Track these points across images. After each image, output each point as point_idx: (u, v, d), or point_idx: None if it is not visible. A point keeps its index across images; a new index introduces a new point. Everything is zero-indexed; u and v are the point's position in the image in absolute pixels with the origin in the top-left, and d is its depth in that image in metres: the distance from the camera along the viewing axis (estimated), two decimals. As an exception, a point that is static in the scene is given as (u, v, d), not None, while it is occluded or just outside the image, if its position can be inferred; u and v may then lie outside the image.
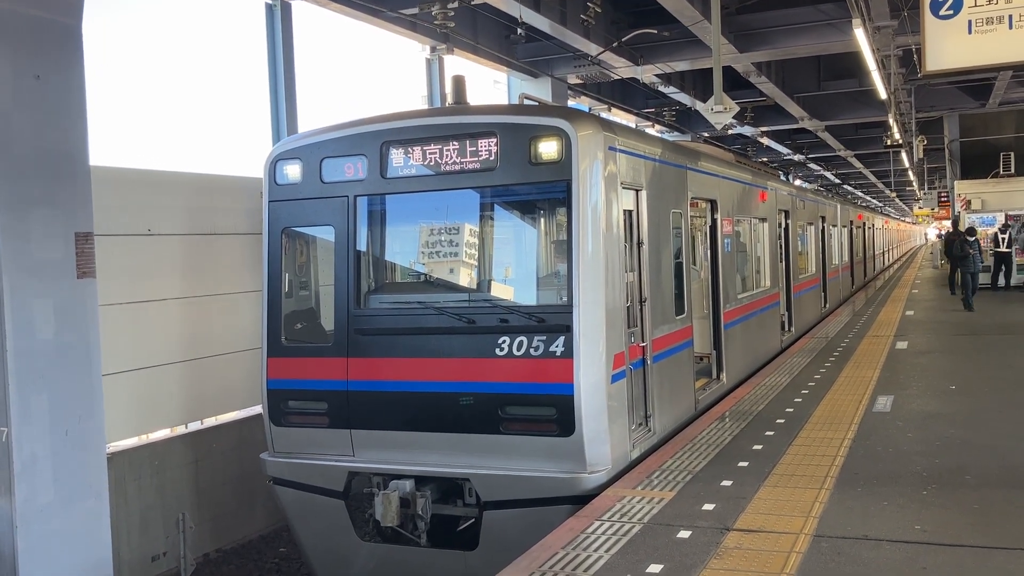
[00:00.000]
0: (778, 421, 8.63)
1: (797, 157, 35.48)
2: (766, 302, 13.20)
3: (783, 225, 15.09)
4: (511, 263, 7.66)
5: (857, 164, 40.92)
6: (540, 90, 17.45)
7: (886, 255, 46.72)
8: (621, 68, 17.97)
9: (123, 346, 8.42)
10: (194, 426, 9.53)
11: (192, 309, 9.33)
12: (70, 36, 6.92)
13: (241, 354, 9.71)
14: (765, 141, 30.53)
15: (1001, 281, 23.64)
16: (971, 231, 20.79)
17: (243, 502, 9.70)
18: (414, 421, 7.16)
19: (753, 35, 17.26)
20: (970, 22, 6.66)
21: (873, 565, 4.92)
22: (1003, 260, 23.62)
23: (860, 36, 12.40)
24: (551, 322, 6.80)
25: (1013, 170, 26.90)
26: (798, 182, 34.37)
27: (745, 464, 7.09)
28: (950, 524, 5.54)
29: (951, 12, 6.68)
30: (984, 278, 24.04)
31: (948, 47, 6.77)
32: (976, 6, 6.64)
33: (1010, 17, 6.52)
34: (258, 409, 9.93)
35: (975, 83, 23.07)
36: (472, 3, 13.15)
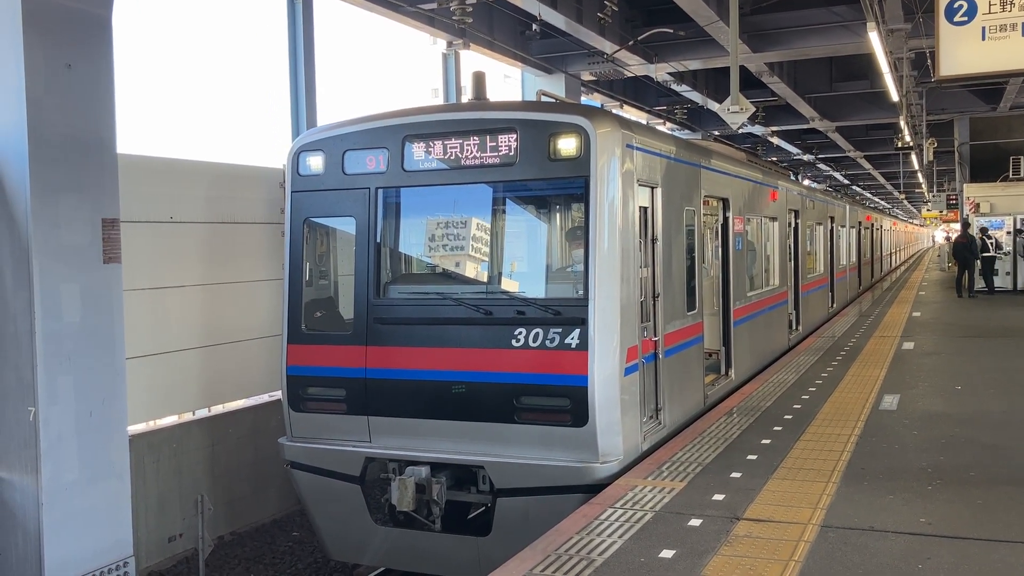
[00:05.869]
0: (786, 417, 8.77)
1: (807, 157, 35.50)
2: (775, 300, 13.32)
3: (792, 225, 15.19)
4: (528, 256, 7.80)
5: (867, 165, 40.93)
6: (554, 86, 17.58)
7: (894, 256, 46.72)
8: (634, 66, 18.08)
9: (144, 331, 8.58)
10: (214, 410, 9.70)
11: (211, 295, 9.49)
12: (101, 26, 7.04)
13: (258, 341, 9.88)
14: (775, 140, 30.58)
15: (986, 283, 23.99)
16: None
17: (257, 487, 9.87)
18: (430, 409, 7.31)
19: (767, 35, 17.35)
20: (984, 28, 6.77)
21: (879, 554, 5.07)
22: (988, 264, 23.94)
23: (874, 38, 12.48)
24: (567, 315, 6.94)
25: (1022, 174, 26.97)
26: (807, 182, 34.36)
27: (754, 457, 7.24)
28: (954, 518, 5.69)
29: (965, 19, 6.79)
30: (982, 283, 24.30)
31: (962, 53, 6.87)
32: (990, 13, 6.75)
33: (1023, 24, 6.64)
34: (271, 396, 10.16)
35: (986, 87, 23.12)
36: (490, -1, 13.27)
